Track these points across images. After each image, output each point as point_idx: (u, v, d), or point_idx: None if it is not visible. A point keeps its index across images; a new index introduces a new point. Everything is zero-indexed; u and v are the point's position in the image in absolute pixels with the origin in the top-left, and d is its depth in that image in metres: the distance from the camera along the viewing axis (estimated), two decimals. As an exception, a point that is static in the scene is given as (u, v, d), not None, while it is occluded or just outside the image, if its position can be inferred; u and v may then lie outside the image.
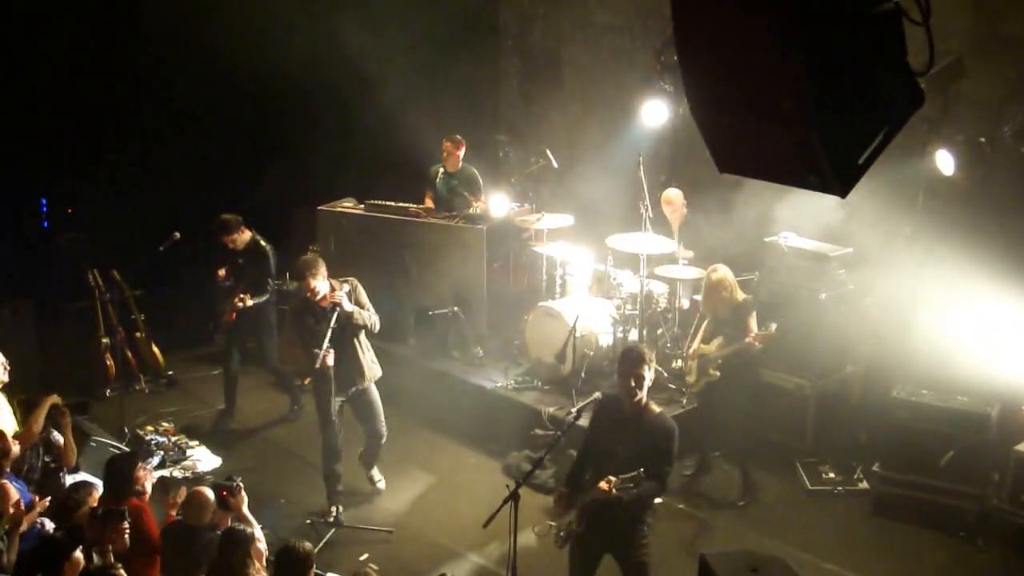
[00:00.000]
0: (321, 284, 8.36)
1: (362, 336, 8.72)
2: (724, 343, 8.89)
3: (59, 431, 8.18)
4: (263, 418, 10.82)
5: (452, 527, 8.81)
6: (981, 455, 8.64)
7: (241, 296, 10.06)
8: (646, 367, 6.47)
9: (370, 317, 8.60)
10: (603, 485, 6.24)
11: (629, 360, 6.54)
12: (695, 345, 9.20)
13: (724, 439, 9.48)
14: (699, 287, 10.55)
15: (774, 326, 8.74)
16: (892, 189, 8.82)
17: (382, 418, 9.00)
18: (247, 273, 10.32)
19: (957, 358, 9.29)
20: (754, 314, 8.89)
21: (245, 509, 6.95)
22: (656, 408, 6.61)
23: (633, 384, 6.45)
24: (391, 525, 8.81)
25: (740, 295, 8.99)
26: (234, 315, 10.21)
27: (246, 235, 10.29)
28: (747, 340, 8.72)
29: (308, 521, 8.67)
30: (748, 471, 9.25)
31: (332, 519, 8.62)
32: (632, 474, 6.21)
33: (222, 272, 10.43)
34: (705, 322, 9.22)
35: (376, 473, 9.30)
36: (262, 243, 10.34)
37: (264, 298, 10.29)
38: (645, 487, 6.30)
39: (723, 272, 8.93)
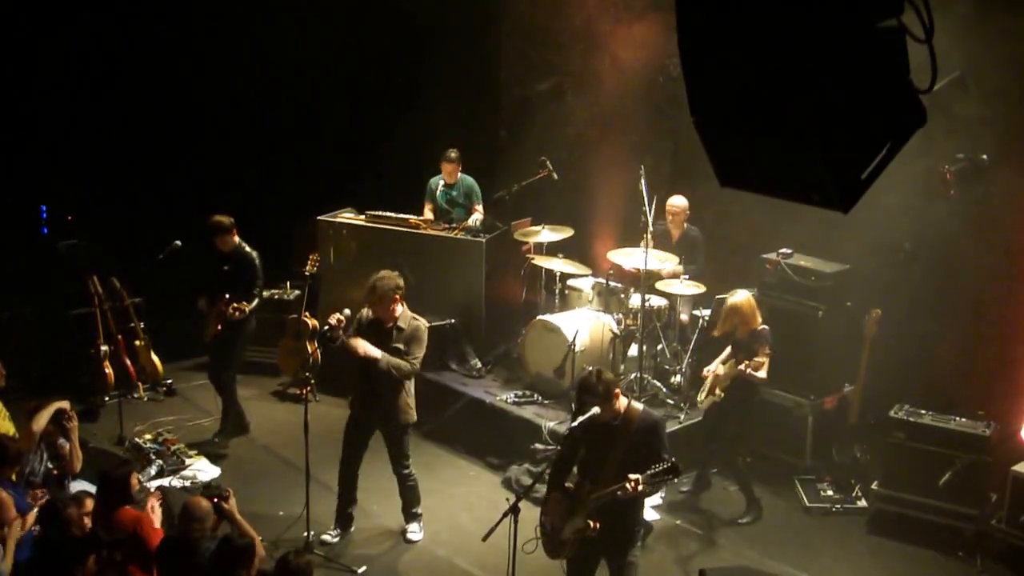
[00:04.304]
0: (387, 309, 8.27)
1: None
2: (733, 366, 8.90)
3: (65, 437, 8.15)
4: (264, 428, 10.75)
5: (452, 540, 8.81)
6: (979, 475, 8.64)
7: (236, 305, 9.89)
8: (598, 399, 6.49)
9: (400, 367, 8.20)
10: (629, 486, 6.24)
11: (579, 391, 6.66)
12: (714, 366, 9.18)
13: (723, 456, 9.48)
14: (699, 302, 10.58)
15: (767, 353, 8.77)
16: (893, 205, 8.82)
17: (404, 461, 8.69)
18: (234, 280, 10.09)
19: (956, 376, 9.32)
20: (767, 346, 8.83)
21: (238, 514, 6.88)
22: (639, 407, 6.64)
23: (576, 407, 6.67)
24: (391, 537, 8.84)
25: (758, 322, 8.94)
26: (220, 326, 10.12)
27: (235, 238, 10.12)
28: (739, 368, 8.75)
29: (305, 534, 8.61)
30: (751, 490, 9.24)
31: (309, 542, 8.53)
32: (661, 468, 6.26)
33: (202, 303, 10.31)
34: (730, 345, 9.21)
35: (411, 525, 8.92)
36: (246, 249, 10.13)
37: (255, 304, 10.09)
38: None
39: (739, 298, 8.93)
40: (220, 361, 10.47)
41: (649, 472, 6.26)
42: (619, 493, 6.31)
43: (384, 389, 8.36)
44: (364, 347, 8.17)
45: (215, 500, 6.83)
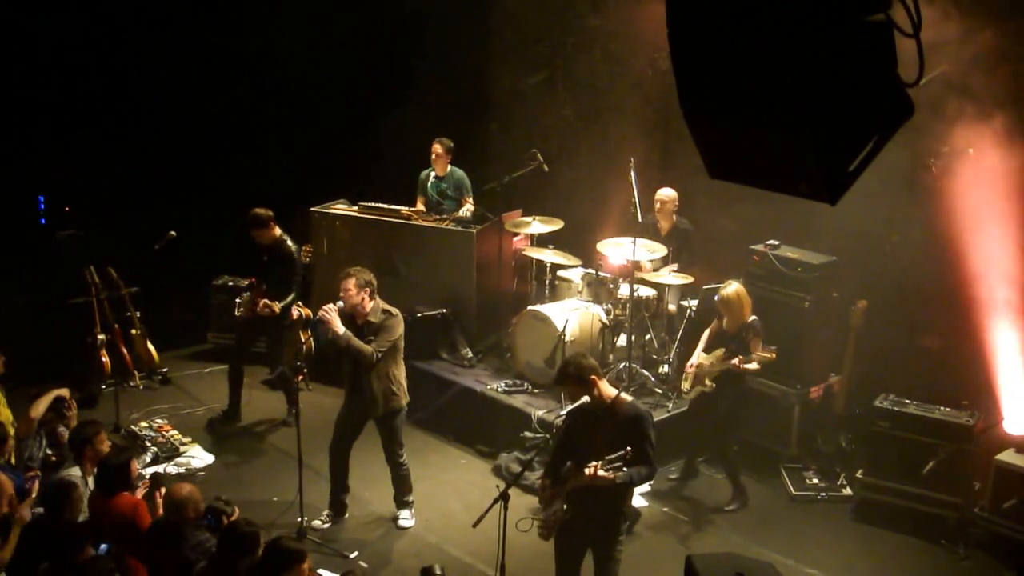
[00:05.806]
0: (349, 294, 8.30)
1: (381, 364, 8.43)
2: (725, 356, 8.97)
3: (64, 424, 8.21)
4: (259, 416, 10.83)
5: (442, 526, 8.91)
6: (963, 464, 8.74)
7: (267, 302, 9.99)
8: (576, 386, 6.65)
9: (361, 350, 8.25)
10: (587, 471, 6.36)
11: (561, 376, 6.85)
12: (697, 356, 9.28)
13: (710, 445, 9.58)
14: (687, 292, 10.68)
15: (773, 350, 8.86)
16: (879, 197, 8.92)
17: (396, 449, 8.76)
18: (271, 273, 10.24)
19: (940, 366, 9.41)
20: (760, 339, 8.97)
21: None
22: (627, 398, 6.73)
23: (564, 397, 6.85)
24: (382, 524, 8.92)
25: (749, 314, 9.02)
26: (252, 314, 10.26)
27: (275, 232, 10.20)
28: (733, 362, 8.83)
29: (298, 520, 8.68)
30: (738, 478, 9.35)
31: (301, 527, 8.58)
32: (619, 453, 6.34)
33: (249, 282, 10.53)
34: (707, 333, 9.31)
35: (402, 512, 8.98)
36: (288, 243, 10.23)
37: (288, 300, 10.08)
38: (636, 469, 6.42)
39: (732, 290, 8.99)
40: (273, 357, 10.72)
41: (607, 458, 6.35)
42: (584, 481, 6.42)
43: (365, 375, 8.43)
44: (333, 321, 8.23)
45: (220, 515, 6.93)
